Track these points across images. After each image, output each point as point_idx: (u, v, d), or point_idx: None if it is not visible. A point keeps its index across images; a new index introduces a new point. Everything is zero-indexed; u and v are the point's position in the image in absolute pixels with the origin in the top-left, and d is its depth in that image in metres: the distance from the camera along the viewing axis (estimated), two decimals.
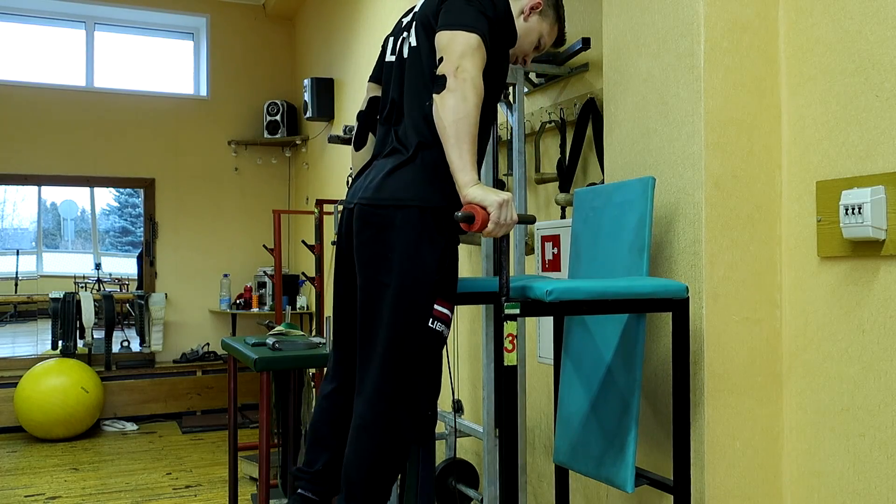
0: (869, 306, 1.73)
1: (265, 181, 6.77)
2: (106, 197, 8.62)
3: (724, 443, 1.90)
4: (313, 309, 6.12)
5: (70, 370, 5.34)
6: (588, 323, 2.05)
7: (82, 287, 7.55)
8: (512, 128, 2.58)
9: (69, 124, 6.15)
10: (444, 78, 1.71)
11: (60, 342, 5.65)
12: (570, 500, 2.71)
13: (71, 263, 8.42)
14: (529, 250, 2.80)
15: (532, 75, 2.92)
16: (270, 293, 6.18)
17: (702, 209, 1.89)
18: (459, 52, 1.72)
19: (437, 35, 1.80)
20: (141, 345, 6.19)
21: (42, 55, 6.34)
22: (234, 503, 3.40)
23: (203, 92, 6.63)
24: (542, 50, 2.11)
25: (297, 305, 6.27)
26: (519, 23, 2.00)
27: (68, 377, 5.29)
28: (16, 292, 7.94)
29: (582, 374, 2.05)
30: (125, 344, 6.42)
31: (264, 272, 6.23)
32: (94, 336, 5.79)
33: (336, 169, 5.64)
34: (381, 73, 2.10)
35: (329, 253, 5.37)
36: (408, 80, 1.93)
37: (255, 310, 6.25)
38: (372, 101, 2.13)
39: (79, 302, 5.70)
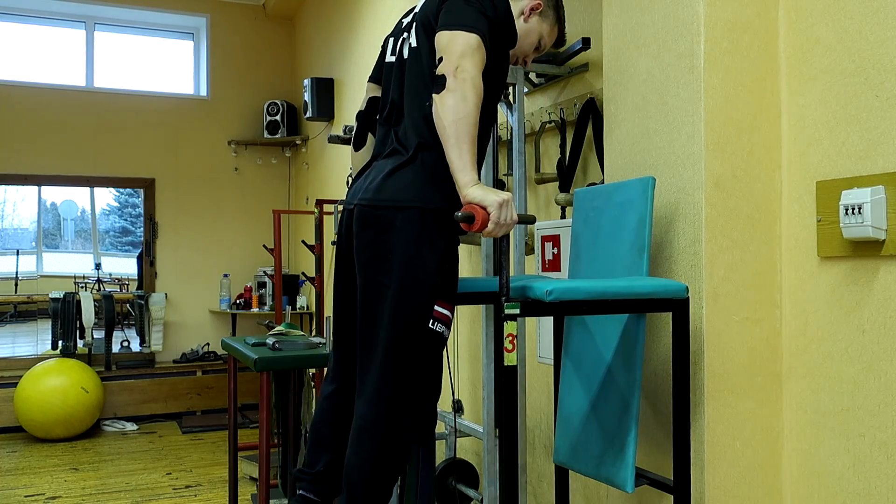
0: (869, 306, 1.73)
1: (265, 181, 6.77)
2: (106, 197, 8.62)
3: (724, 443, 1.90)
4: (313, 309, 6.12)
5: (70, 370, 5.34)
6: (588, 323, 2.05)
7: (82, 287, 7.55)
8: (512, 128, 2.58)
9: (69, 124, 6.15)
10: (443, 78, 1.70)
11: (60, 342, 5.65)
12: (570, 500, 2.71)
13: (71, 263, 8.42)
14: (529, 250, 2.80)
15: (532, 75, 2.92)
16: (270, 293, 6.18)
17: (702, 209, 1.89)
18: (459, 51, 1.72)
19: (437, 35, 1.79)
20: (141, 345, 6.19)
21: (42, 55, 6.34)
22: (234, 503, 3.40)
23: (203, 92, 6.63)
24: (543, 51, 2.11)
25: (297, 305, 6.27)
26: (519, 24, 2.00)
27: (68, 377, 5.29)
28: (16, 292, 7.94)
29: (582, 374, 2.05)
30: (125, 344, 6.42)
31: (264, 272, 6.23)
32: (94, 336, 5.79)
33: (336, 169, 5.64)
34: (380, 73, 2.10)
35: (329, 253, 5.37)
36: (408, 81, 1.93)
37: (255, 310, 6.25)
38: (371, 101, 2.13)
39: (79, 302, 5.70)
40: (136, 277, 6.84)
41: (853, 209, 1.69)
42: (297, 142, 6.52)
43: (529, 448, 3.03)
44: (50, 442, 5.31)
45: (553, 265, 2.67)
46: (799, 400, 1.91)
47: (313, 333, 5.31)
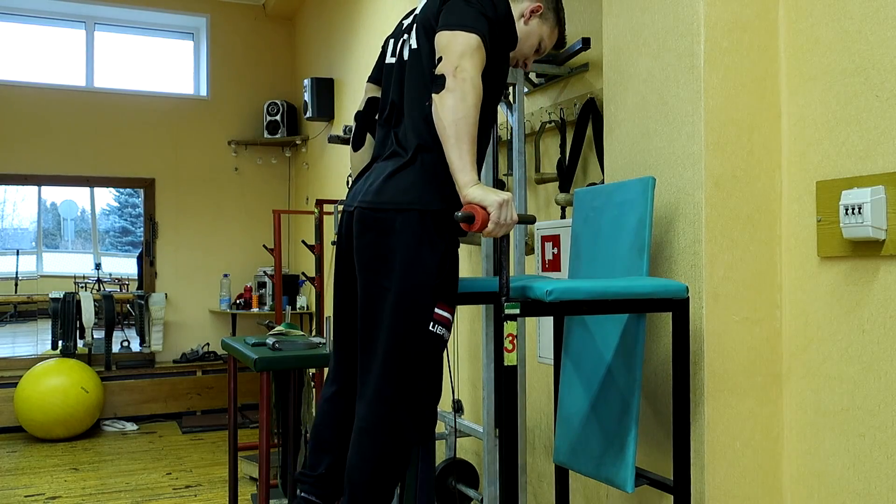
0: (869, 306, 1.73)
1: (265, 181, 6.77)
2: (106, 197, 8.62)
3: (724, 443, 1.90)
4: (313, 309, 6.12)
5: (70, 370, 5.34)
6: (588, 323, 2.05)
7: (82, 287, 7.55)
8: (512, 128, 2.58)
9: (69, 124, 6.15)
10: (442, 77, 1.70)
11: (60, 342, 5.65)
12: (570, 500, 2.71)
13: (71, 263, 8.42)
14: (529, 250, 2.80)
15: (532, 75, 2.92)
16: (270, 293, 6.18)
17: (702, 209, 1.89)
18: (459, 51, 1.72)
19: (437, 35, 1.79)
20: (141, 345, 6.19)
21: (42, 55, 6.34)
22: (234, 503, 3.40)
23: (203, 92, 6.63)
24: (543, 53, 2.11)
25: (297, 305, 6.27)
26: (519, 26, 2.00)
27: (68, 377, 5.29)
28: (16, 292, 7.94)
29: (582, 374, 2.05)
30: (125, 344, 6.42)
31: (264, 272, 6.23)
32: (94, 336, 5.79)
33: (336, 169, 5.64)
34: (380, 74, 2.09)
35: (329, 253, 5.37)
36: (408, 82, 1.93)
37: (255, 310, 6.25)
38: (370, 102, 2.13)
39: (79, 302, 5.70)
40: (136, 277, 6.84)
41: (853, 209, 1.69)
42: (297, 142, 6.52)
43: (529, 448, 3.03)
44: (50, 442, 5.31)
45: (553, 265, 2.67)
46: (799, 400, 1.91)
47: (313, 333, 5.31)
